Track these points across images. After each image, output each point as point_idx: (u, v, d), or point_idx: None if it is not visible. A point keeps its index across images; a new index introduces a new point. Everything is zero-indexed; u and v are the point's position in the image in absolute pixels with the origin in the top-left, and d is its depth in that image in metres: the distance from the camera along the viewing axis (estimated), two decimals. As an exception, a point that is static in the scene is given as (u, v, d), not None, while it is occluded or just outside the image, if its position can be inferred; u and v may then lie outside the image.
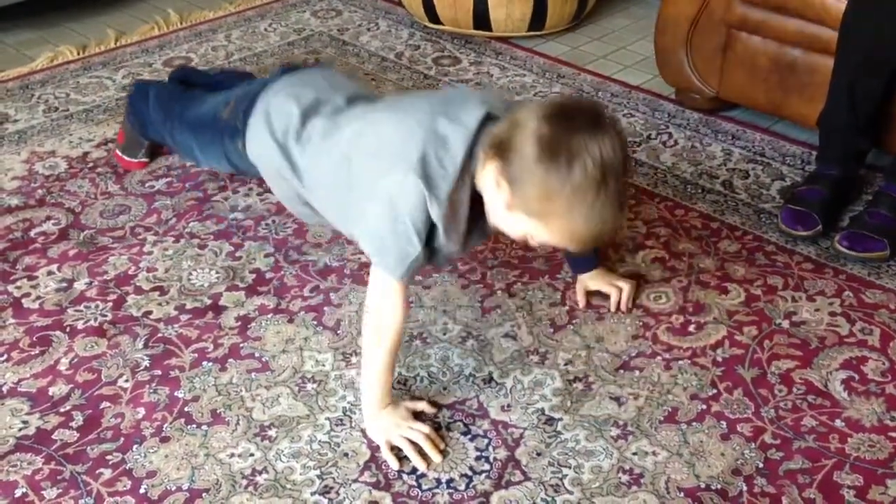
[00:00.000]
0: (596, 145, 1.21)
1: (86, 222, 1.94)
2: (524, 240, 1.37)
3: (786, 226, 1.86)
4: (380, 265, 1.39)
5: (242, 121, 1.65)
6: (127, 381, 1.55)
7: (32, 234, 1.90)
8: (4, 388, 1.53)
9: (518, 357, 1.59)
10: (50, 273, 1.79)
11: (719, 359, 1.58)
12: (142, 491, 1.35)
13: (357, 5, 3.01)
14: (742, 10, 2.14)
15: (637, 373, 1.56)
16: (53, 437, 1.44)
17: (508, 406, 1.50)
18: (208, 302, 1.72)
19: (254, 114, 1.63)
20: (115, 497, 1.34)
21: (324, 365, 1.58)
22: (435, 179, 1.32)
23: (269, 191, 1.89)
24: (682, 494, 1.35)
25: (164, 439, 1.44)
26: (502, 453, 1.42)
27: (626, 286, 1.69)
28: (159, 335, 1.64)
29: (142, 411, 1.49)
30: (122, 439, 1.44)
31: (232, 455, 1.41)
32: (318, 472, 1.39)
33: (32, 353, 1.60)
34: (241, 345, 1.62)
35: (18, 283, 1.76)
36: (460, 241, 1.41)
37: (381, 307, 1.41)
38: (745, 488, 1.35)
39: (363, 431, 1.45)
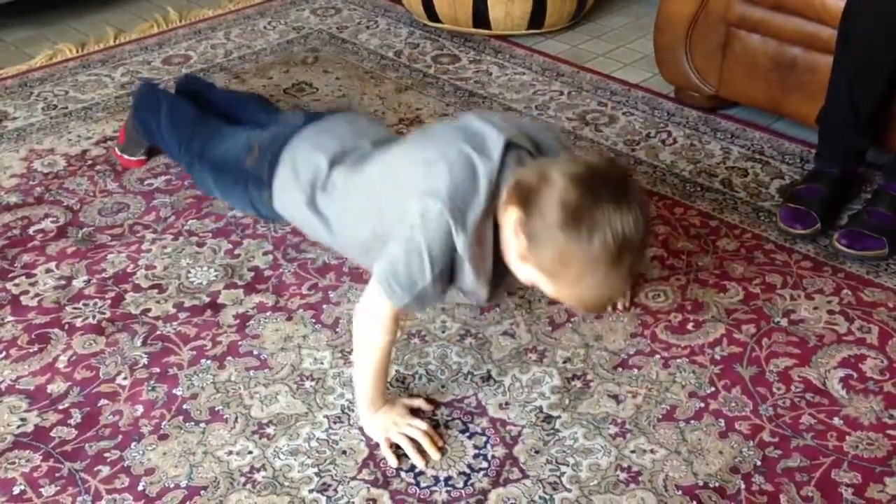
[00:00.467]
0: (619, 220, 1.22)
1: (84, 220, 1.94)
2: (530, 285, 1.37)
3: (785, 224, 1.86)
4: (384, 290, 1.35)
5: (269, 172, 1.62)
6: (125, 378, 1.55)
7: (31, 231, 1.90)
8: (3, 386, 1.53)
9: (516, 355, 1.59)
10: (48, 271, 1.79)
11: (718, 357, 1.58)
12: (140, 488, 1.35)
13: (356, 3, 3.01)
14: (741, 8, 2.14)
15: (635, 371, 1.56)
16: (52, 434, 1.44)
17: (507, 404, 1.50)
18: (207, 300, 1.72)
19: (280, 165, 1.61)
20: (113, 494, 1.34)
21: (322, 363, 1.58)
22: (461, 210, 1.32)
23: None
24: (680, 492, 1.35)
25: (163, 437, 1.44)
26: (500, 451, 1.42)
27: (625, 285, 1.69)
28: (158, 333, 1.64)
29: (140, 409, 1.49)
30: (121, 437, 1.44)
31: (230, 453, 1.41)
32: (316, 469, 1.39)
33: (31, 350, 1.60)
34: (240, 342, 1.62)
35: (17, 281, 1.76)
36: (488, 281, 1.40)
37: (371, 330, 1.40)
38: (743, 486, 1.35)
39: (361, 429, 1.45)
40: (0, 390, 1.52)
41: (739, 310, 1.69)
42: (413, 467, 1.39)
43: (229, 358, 1.59)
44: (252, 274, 1.78)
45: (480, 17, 2.70)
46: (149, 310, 1.69)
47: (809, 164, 2.08)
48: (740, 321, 1.66)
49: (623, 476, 1.37)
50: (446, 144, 1.40)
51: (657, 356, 1.59)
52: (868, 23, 1.83)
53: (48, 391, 1.52)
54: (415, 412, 1.47)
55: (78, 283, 1.75)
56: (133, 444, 1.42)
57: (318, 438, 1.44)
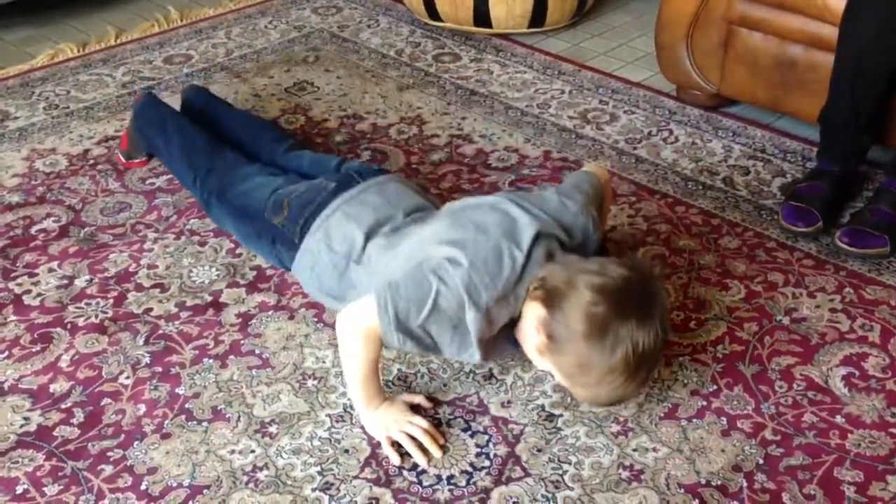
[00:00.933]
0: (641, 336, 1.28)
1: (86, 219, 1.94)
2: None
3: (786, 222, 1.86)
4: (378, 306, 1.34)
5: (299, 236, 1.61)
6: (128, 377, 1.55)
7: (33, 231, 1.90)
8: (6, 385, 1.53)
9: (518, 354, 1.59)
10: (51, 270, 1.79)
11: (720, 355, 1.58)
12: (143, 487, 1.35)
13: (357, 2, 3.01)
14: (742, 7, 2.14)
15: (637, 369, 1.56)
16: (54, 433, 1.45)
17: (509, 402, 1.50)
18: (209, 299, 1.72)
19: (312, 232, 1.59)
20: (115, 493, 1.35)
21: (324, 362, 1.58)
22: (478, 288, 1.34)
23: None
24: (682, 490, 1.35)
25: (165, 436, 1.44)
26: (503, 450, 1.42)
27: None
28: (160, 332, 1.64)
29: (143, 408, 1.49)
30: (123, 436, 1.44)
31: (233, 452, 1.41)
32: (318, 468, 1.39)
33: (33, 349, 1.61)
34: (242, 341, 1.62)
35: (19, 280, 1.76)
36: (487, 349, 1.41)
37: (350, 339, 1.39)
38: (745, 484, 1.36)
39: (363, 428, 1.45)
40: (3, 390, 1.53)
41: (741, 308, 1.69)
42: (415, 466, 1.39)
43: (231, 357, 1.59)
44: (254, 273, 1.78)
45: (481, 15, 2.70)
46: (151, 309, 1.69)
47: (811, 162, 2.08)
48: (742, 319, 1.66)
49: (625, 474, 1.37)
50: (476, 227, 1.42)
51: (659, 354, 1.59)
52: (869, 22, 1.83)
53: (51, 390, 1.52)
54: (415, 409, 1.47)
55: (80, 283, 1.76)
56: (136, 443, 1.43)
57: (320, 437, 1.44)
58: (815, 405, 1.49)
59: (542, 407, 1.49)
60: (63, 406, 1.49)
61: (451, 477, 1.37)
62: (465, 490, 1.35)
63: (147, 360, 1.58)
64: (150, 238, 1.88)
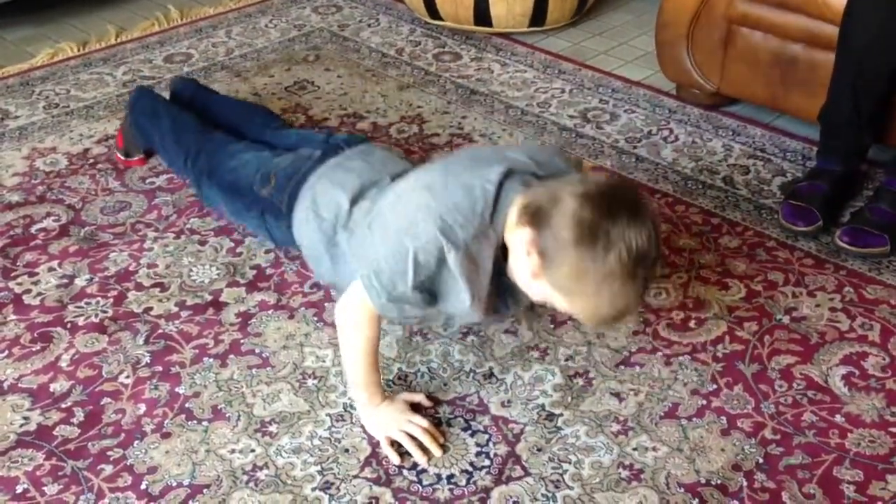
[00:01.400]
0: (634, 235, 1.23)
1: (86, 219, 1.94)
2: (542, 303, 1.38)
3: (786, 221, 1.86)
4: (364, 284, 1.36)
5: (287, 205, 1.63)
6: (128, 377, 1.55)
7: (33, 230, 1.90)
8: (5, 385, 1.53)
9: (518, 353, 1.59)
10: (51, 269, 1.79)
11: (720, 354, 1.59)
12: (143, 487, 1.36)
13: (357, 1, 3.01)
14: (743, 5, 2.14)
15: (637, 368, 1.56)
16: (54, 433, 1.45)
17: (509, 402, 1.50)
18: (209, 298, 1.72)
19: (300, 200, 1.61)
20: (115, 493, 1.35)
21: (324, 361, 1.58)
22: (453, 227, 1.32)
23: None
24: (682, 490, 1.35)
25: (165, 435, 1.44)
26: (503, 449, 1.42)
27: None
28: (160, 331, 1.64)
29: (143, 407, 1.49)
30: (123, 435, 1.44)
31: (233, 451, 1.41)
32: (318, 467, 1.39)
33: (33, 349, 1.61)
34: (242, 341, 1.62)
35: (19, 280, 1.76)
36: (483, 300, 1.39)
37: (347, 326, 1.41)
38: (745, 483, 1.36)
39: (363, 427, 1.45)
40: (3, 389, 1.53)
41: (741, 307, 1.69)
42: (415, 465, 1.39)
43: (231, 356, 1.59)
44: (254, 272, 1.78)
45: (482, 14, 2.69)
46: (151, 308, 1.69)
47: (811, 162, 2.08)
48: (742, 319, 1.66)
49: (625, 474, 1.37)
50: (445, 169, 1.41)
51: (659, 354, 1.59)
52: (869, 20, 1.83)
53: (51, 390, 1.52)
54: (415, 408, 1.47)
55: (80, 282, 1.76)
56: (136, 442, 1.43)
57: (320, 436, 1.44)
58: (814, 404, 1.49)
59: (542, 406, 1.49)
60: (63, 405, 1.50)
61: (451, 476, 1.37)
62: (465, 489, 1.35)
63: (147, 359, 1.58)
64: (150, 237, 1.88)
